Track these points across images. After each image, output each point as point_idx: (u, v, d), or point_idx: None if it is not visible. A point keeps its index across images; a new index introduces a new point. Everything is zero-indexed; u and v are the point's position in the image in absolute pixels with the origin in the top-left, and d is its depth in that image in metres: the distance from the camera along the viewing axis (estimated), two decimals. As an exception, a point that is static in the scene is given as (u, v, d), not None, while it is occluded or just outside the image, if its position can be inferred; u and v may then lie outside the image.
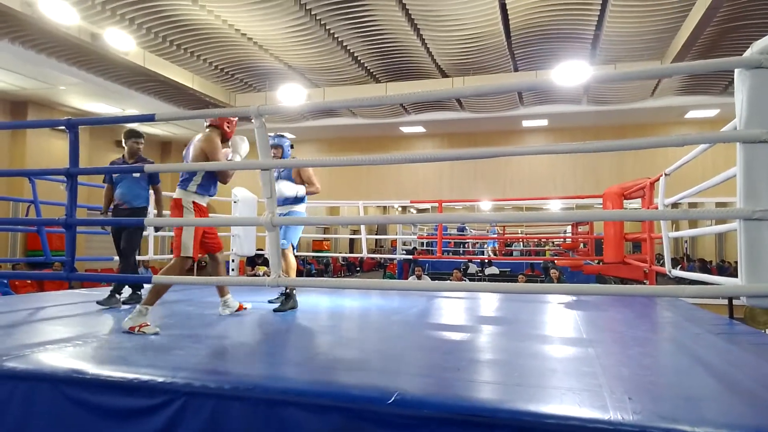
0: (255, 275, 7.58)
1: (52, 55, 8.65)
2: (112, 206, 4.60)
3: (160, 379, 2.05)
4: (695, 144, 3.22)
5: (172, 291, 5.19)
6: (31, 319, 3.74)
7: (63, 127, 2.99)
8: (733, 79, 2.03)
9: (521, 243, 17.90)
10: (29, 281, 8.54)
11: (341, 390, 1.93)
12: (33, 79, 9.64)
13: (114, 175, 4.56)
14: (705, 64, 2.12)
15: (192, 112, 3.38)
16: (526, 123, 12.70)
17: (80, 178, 3.74)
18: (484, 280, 12.21)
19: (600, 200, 7.05)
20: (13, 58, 8.51)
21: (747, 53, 1.93)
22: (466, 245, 15.84)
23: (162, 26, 8.33)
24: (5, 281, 7.38)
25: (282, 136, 4.49)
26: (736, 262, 2.17)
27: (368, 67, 10.22)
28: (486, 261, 13.29)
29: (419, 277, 9.47)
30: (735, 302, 4.79)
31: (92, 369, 2.20)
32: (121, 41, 8.08)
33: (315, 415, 1.84)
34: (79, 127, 3.02)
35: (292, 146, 4.54)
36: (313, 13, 7.94)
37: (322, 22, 8.27)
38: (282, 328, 3.41)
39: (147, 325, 3.06)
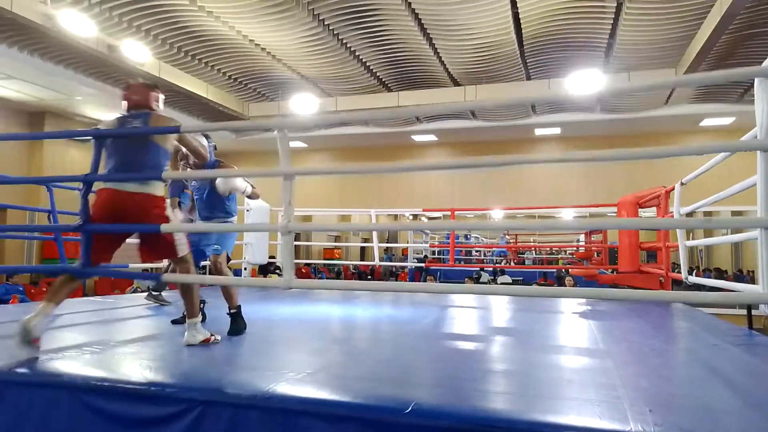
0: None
1: (70, 66, 8.80)
2: None
3: (178, 388, 2.07)
4: (715, 153, 3.19)
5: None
6: (48, 327, 3.77)
7: (79, 137, 3.04)
8: (749, 86, 2.02)
9: (534, 252, 17.80)
10: (45, 289, 8.63)
11: (358, 400, 1.93)
12: (50, 90, 9.80)
13: None
14: (725, 74, 2.11)
15: (217, 124, 3.41)
16: (538, 131, 12.66)
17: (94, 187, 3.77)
18: (497, 289, 12.12)
19: (614, 209, 7.00)
20: (31, 70, 8.68)
21: (767, 62, 1.92)
22: (478, 253, 15.79)
23: (177, 37, 8.45)
24: (22, 288, 7.48)
25: (207, 137, 3.91)
26: (752, 272, 2.14)
27: (380, 76, 10.26)
28: (498, 270, 13.23)
29: (431, 286, 9.41)
30: (754, 312, 4.71)
31: (110, 377, 2.22)
32: (138, 52, 8.20)
33: (332, 424, 1.84)
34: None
35: (215, 147, 3.89)
36: (326, 23, 8.01)
37: (335, 33, 8.33)
38: (296, 337, 3.41)
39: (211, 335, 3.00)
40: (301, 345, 3.20)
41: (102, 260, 2.93)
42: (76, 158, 11.80)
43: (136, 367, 2.46)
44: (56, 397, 2.18)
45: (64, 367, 2.37)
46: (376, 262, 8.55)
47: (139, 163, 2.82)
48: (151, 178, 2.81)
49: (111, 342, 3.08)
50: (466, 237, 18.28)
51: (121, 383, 2.15)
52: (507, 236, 16.29)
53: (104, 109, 11.09)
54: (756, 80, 1.94)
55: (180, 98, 10.60)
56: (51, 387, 2.21)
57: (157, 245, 2.92)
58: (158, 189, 2.88)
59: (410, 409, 1.78)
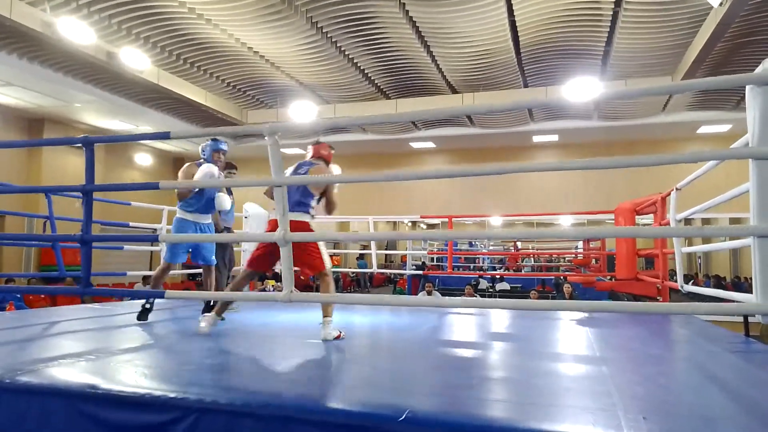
0: (264, 290, 7.59)
1: (69, 73, 8.83)
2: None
3: (173, 395, 2.06)
4: (708, 161, 3.21)
5: (185, 307, 5.23)
6: (44, 334, 3.77)
7: (79, 144, 3.05)
8: (745, 94, 2.03)
9: (532, 258, 17.79)
10: (43, 296, 8.61)
11: (353, 407, 1.93)
12: (50, 97, 9.83)
13: None
14: (716, 80, 2.12)
15: (205, 129, 3.44)
16: (536, 138, 12.70)
17: (95, 194, 3.79)
18: (495, 296, 12.13)
19: (612, 215, 7.01)
20: (31, 77, 8.71)
21: (758, 69, 1.93)
22: (477, 260, 15.78)
23: (176, 44, 8.48)
24: (19, 295, 7.46)
25: (216, 140, 4.32)
26: (750, 278, 2.15)
27: (378, 84, 10.30)
28: (497, 276, 13.21)
29: (429, 293, 9.43)
30: (751, 319, 4.72)
31: (105, 384, 2.21)
32: (137, 60, 8.23)
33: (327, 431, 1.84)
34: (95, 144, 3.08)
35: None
36: (324, 31, 8.05)
37: (333, 40, 8.37)
38: (293, 345, 3.41)
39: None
40: (297, 351, 3.19)
41: (264, 268, 3.70)
42: (76, 164, 11.80)
43: (131, 374, 2.45)
44: (51, 405, 2.17)
45: (60, 375, 2.37)
46: (374, 269, 8.56)
47: (294, 199, 3.54)
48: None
49: (107, 349, 3.07)
50: (469, 244, 18.26)
51: (116, 391, 2.15)
52: (504, 243, 16.26)
53: (103, 116, 11.13)
54: (747, 87, 1.96)
55: (179, 105, 10.63)
56: (46, 394, 2.20)
57: (304, 260, 3.43)
58: (306, 216, 3.55)
59: (404, 416, 1.78)
